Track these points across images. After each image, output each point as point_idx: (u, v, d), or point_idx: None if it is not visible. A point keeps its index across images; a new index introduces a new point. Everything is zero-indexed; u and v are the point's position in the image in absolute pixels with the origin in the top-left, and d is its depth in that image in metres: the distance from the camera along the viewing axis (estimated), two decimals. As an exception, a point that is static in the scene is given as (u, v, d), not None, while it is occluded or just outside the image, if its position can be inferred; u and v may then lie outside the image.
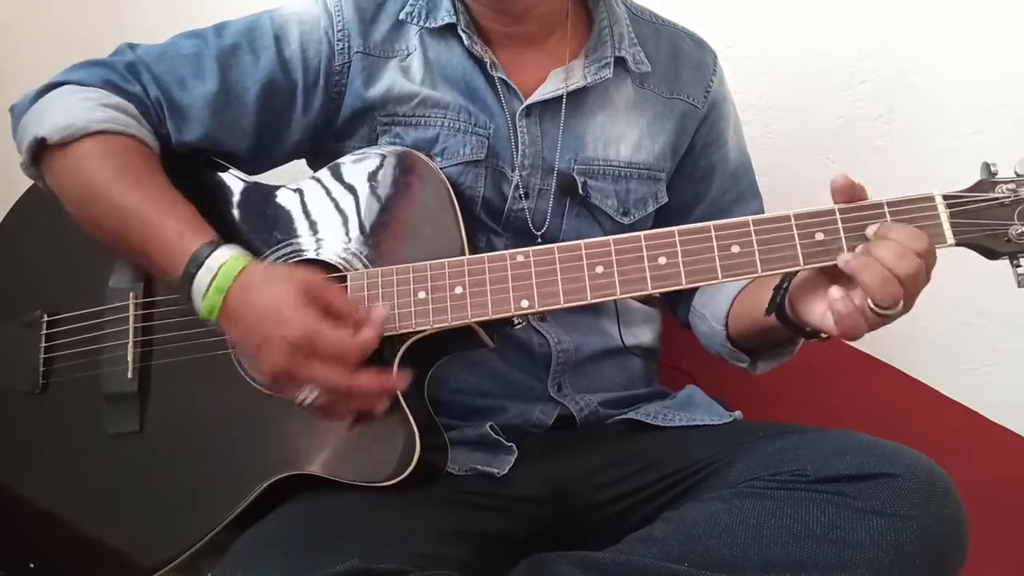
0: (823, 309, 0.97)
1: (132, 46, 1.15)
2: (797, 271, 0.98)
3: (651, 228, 1.24)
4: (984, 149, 1.49)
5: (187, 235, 1.01)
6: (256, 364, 0.99)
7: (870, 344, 1.59)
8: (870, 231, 0.95)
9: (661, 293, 1.02)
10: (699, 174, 1.29)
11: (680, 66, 1.26)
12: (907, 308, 0.95)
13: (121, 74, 1.11)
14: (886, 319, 0.94)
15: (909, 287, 0.92)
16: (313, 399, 0.97)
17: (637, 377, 1.28)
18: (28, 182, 1.17)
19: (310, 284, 0.99)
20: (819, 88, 1.61)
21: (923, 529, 0.91)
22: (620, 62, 1.21)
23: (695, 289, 1.28)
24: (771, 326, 1.07)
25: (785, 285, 1.03)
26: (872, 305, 0.92)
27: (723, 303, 1.21)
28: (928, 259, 0.93)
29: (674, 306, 1.35)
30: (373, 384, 0.98)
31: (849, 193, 0.97)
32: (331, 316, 0.98)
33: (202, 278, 0.99)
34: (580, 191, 1.17)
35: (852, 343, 1.03)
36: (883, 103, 1.59)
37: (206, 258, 0.99)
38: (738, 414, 1.22)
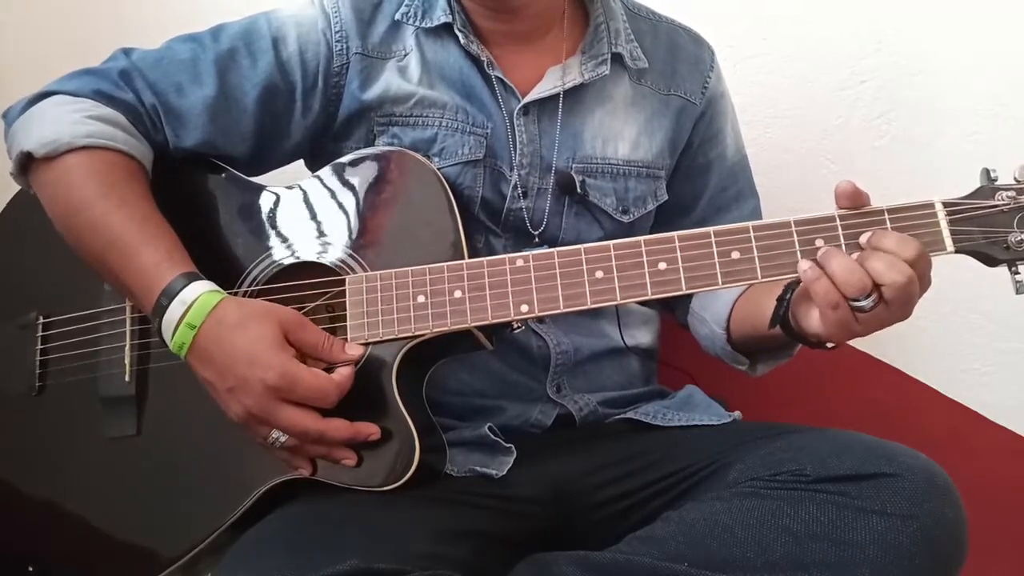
0: (818, 315, 0.96)
1: (127, 52, 1.15)
2: (799, 281, 0.97)
3: (651, 226, 1.24)
4: (984, 149, 1.50)
5: (164, 265, 1.01)
6: (228, 405, 0.99)
7: (870, 344, 1.58)
8: (863, 239, 0.95)
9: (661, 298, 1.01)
10: (696, 171, 1.28)
11: (677, 62, 1.26)
12: (905, 314, 0.95)
13: (114, 82, 1.11)
14: (874, 321, 0.94)
15: (901, 294, 0.92)
16: (284, 441, 0.99)
17: (636, 377, 1.28)
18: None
19: (287, 323, 0.99)
20: (819, 88, 1.61)
21: (923, 529, 0.91)
22: (617, 58, 1.21)
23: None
24: (772, 334, 1.07)
25: (788, 296, 1.02)
26: (847, 298, 0.92)
27: (723, 307, 1.20)
28: (919, 265, 0.93)
29: (671, 307, 1.35)
30: (345, 431, 0.99)
31: (853, 199, 0.96)
32: (306, 355, 0.99)
33: (174, 311, 0.98)
34: (578, 190, 1.17)
35: (852, 343, 1.03)
36: (883, 103, 1.58)
37: (180, 291, 0.99)
38: (737, 414, 1.22)
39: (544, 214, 1.18)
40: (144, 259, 1.01)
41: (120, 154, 1.08)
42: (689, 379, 1.31)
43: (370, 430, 1.01)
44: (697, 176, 1.29)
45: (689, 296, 1.29)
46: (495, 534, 1.05)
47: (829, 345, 1.00)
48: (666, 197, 1.25)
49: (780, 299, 1.03)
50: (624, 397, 1.24)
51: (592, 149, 1.19)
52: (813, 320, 0.97)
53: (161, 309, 0.99)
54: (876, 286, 0.92)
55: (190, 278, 1.00)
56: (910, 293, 0.93)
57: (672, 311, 1.35)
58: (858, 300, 0.92)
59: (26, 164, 1.08)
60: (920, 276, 0.93)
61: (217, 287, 1.01)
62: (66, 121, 1.06)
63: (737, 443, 1.08)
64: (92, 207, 1.04)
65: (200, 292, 0.99)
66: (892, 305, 0.93)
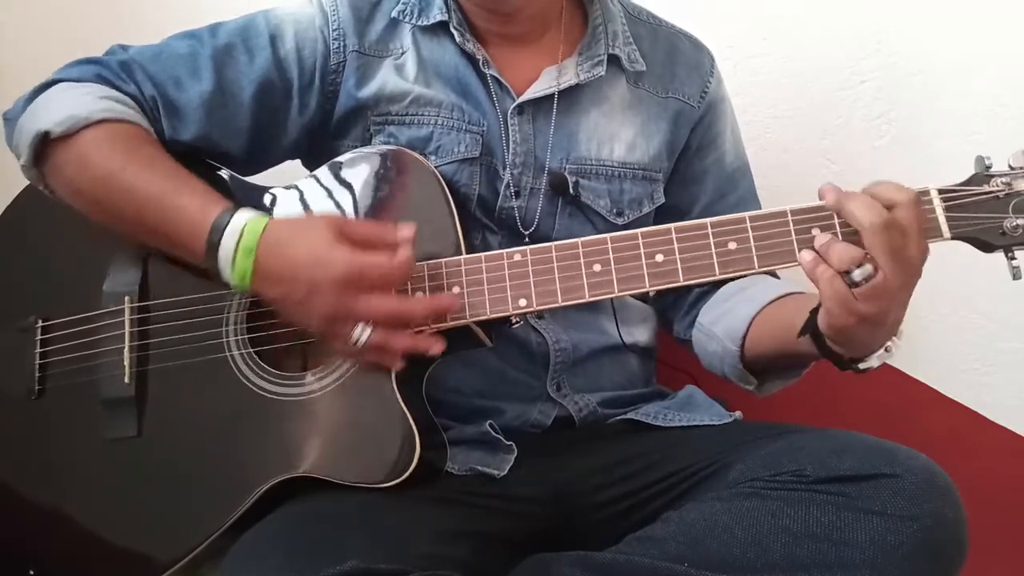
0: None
1: (124, 47, 1.15)
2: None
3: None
4: (984, 149, 1.49)
5: (205, 208, 1.02)
6: (306, 314, 1.00)
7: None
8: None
9: (658, 291, 1.01)
10: (692, 177, 1.28)
11: (676, 66, 1.26)
12: (901, 277, 0.92)
13: (115, 72, 1.12)
14: (875, 295, 0.92)
15: (884, 242, 0.91)
16: (368, 337, 0.98)
17: (636, 376, 1.28)
18: (21, 186, 1.17)
19: (335, 222, 1.00)
20: (819, 88, 1.61)
21: (923, 529, 0.91)
22: (614, 60, 1.21)
23: (696, 303, 1.28)
24: (796, 351, 1.06)
25: (819, 307, 1.00)
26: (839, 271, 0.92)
27: (739, 323, 1.18)
28: (903, 211, 0.92)
29: (669, 318, 1.33)
30: (428, 305, 1.01)
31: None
32: (363, 247, 0.99)
33: (227, 244, 1.00)
34: (571, 191, 1.17)
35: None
36: (883, 103, 1.58)
37: (227, 224, 1.00)
38: (738, 414, 1.22)
39: (536, 214, 1.18)
40: (184, 206, 1.03)
41: (136, 125, 1.09)
42: (689, 379, 1.31)
43: (448, 301, 1.02)
44: (692, 182, 1.28)
45: (692, 308, 1.29)
46: (495, 534, 1.05)
47: (861, 367, 1.00)
48: (663, 200, 1.25)
49: (813, 311, 1.01)
50: (623, 397, 1.24)
51: (587, 150, 1.19)
52: (823, 313, 0.97)
53: (214, 247, 1.00)
54: (867, 256, 0.91)
55: (233, 210, 1.01)
56: (896, 246, 0.91)
57: (669, 323, 1.34)
58: (850, 272, 0.92)
59: (41, 149, 1.08)
60: (905, 227, 0.91)
61: (258, 212, 1.02)
62: (80, 101, 1.07)
63: (737, 443, 1.08)
64: (122, 171, 1.05)
65: (246, 219, 1.00)
66: (885, 266, 0.91)
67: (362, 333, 0.98)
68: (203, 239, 1.01)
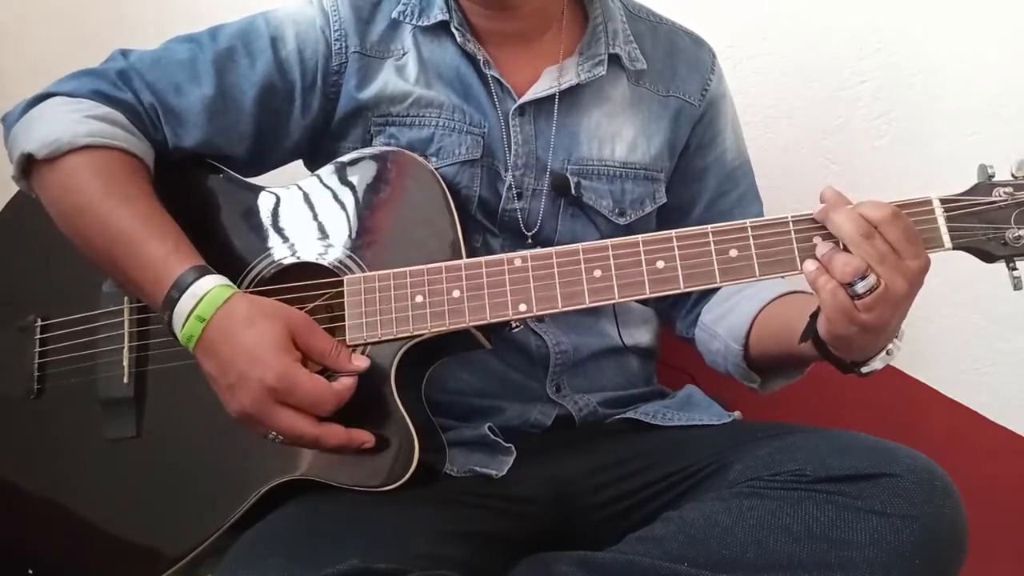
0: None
1: (125, 53, 1.15)
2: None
3: (652, 231, 1.24)
4: (984, 149, 1.50)
5: (172, 258, 1.01)
6: (227, 401, 0.99)
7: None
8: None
9: (659, 298, 1.01)
10: (692, 175, 1.28)
11: (677, 63, 1.26)
12: (901, 289, 0.92)
13: (112, 82, 1.11)
14: (877, 306, 0.92)
15: (872, 251, 0.91)
16: (280, 441, 0.99)
17: (636, 377, 1.27)
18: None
19: (295, 326, 0.99)
20: (819, 88, 1.61)
21: (923, 529, 0.91)
22: (615, 59, 1.20)
23: (698, 302, 1.28)
24: (799, 353, 1.06)
25: (818, 312, 1.01)
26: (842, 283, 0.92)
27: (741, 321, 1.19)
28: (884, 229, 0.92)
29: (671, 316, 1.34)
30: (340, 438, 0.99)
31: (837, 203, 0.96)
32: (311, 360, 0.98)
33: (184, 304, 0.99)
34: (573, 191, 1.17)
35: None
36: (883, 103, 1.58)
37: (190, 284, 0.99)
38: (737, 414, 1.22)
39: (539, 215, 1.18)
40: (152, 253, 1.02)
41: (121, 152, 1.08)
42: (689, 379, 1.31)
43: (364, 438, 1.01)
44: (693, 180, 1.28)
45: (694, 307, 1.29)
46: (495, 534, 1.05)
47: (864, 371, 1.00)
48: (665, 199, 1.25)
49: (813, 315, 1.01)
50: (624, 397, 1.24)
51: (588, 150, 1.19)
52: (823, 321, 0.97)
53: (172, 302, 0.99)
54: (869, 268, 0.92)
55: (201, 272, 1.00)
56: (890, 260, 0.92)
57: (671, 321, 1.34)
58: (853, 284, 0.92)
59: (27, 166, 1.08)
60: (892, 242, 0.92)
61: (228, 281, 1.01)
62: (66, 121, 1.07)
63: (737, 443, 1.08)
64: (97, 205, 1.04)
65: (212, 286, 0.99)
66: (883, 277, 0.91)
67: (275, 437, 0.99)
68: (164, 290, 1.00)
